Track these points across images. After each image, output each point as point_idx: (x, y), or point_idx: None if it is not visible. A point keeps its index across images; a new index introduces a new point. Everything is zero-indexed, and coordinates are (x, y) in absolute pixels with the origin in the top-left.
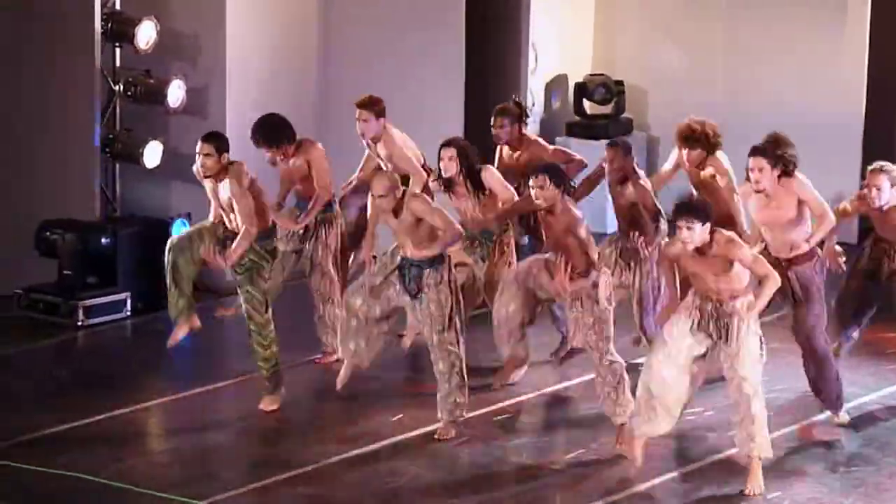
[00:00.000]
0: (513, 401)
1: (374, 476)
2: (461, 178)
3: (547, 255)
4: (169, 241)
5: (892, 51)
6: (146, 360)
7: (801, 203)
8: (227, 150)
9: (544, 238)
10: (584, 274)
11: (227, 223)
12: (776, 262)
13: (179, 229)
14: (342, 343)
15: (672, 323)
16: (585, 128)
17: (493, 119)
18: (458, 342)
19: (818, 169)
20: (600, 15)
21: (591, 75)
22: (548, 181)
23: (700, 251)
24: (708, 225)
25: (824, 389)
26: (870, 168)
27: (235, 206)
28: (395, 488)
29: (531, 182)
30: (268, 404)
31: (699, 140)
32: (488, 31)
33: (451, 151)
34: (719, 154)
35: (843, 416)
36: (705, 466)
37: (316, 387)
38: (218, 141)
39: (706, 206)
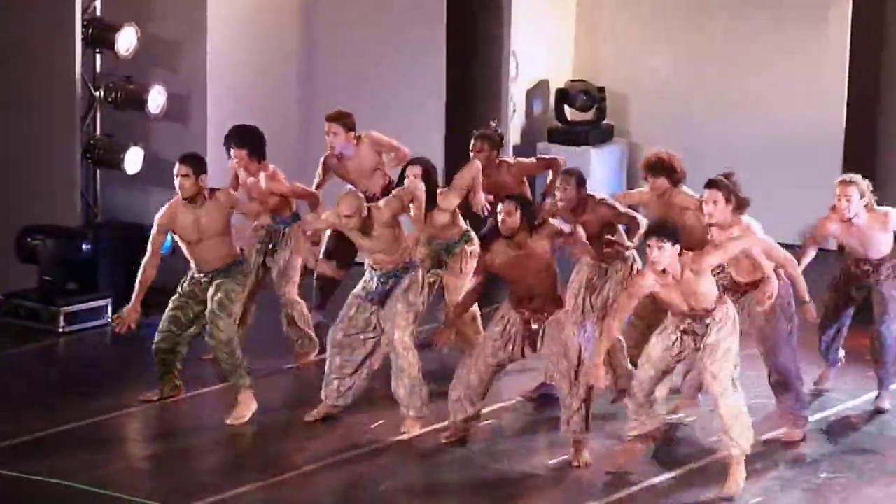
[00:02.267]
0: (495, 406)
1: (354, 481)
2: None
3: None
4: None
5: (872, 62)
6: (127, 366)
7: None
8: (205, 172)
9: (510, 287)
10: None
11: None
12: (737, 287)
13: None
14: (326, 383)
15: (654, 344)
16: (566, 134)
17: (472, 142)
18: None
19: (798, 178)
20: (582, 21)
21: (572, 81)
22: (514, 209)
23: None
24: (678, 247)
25: (782, 405)
26: (838, 180)
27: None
28: (376, 494)
29: (500, 207)
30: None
31: (664, 169)
32: (470, 37)
33: (416, 169)
34: (685, 188)
35: (797, 434)
36: (693, 470)
37: (294, 393)
38: (194, 163)
39: (677, 228)
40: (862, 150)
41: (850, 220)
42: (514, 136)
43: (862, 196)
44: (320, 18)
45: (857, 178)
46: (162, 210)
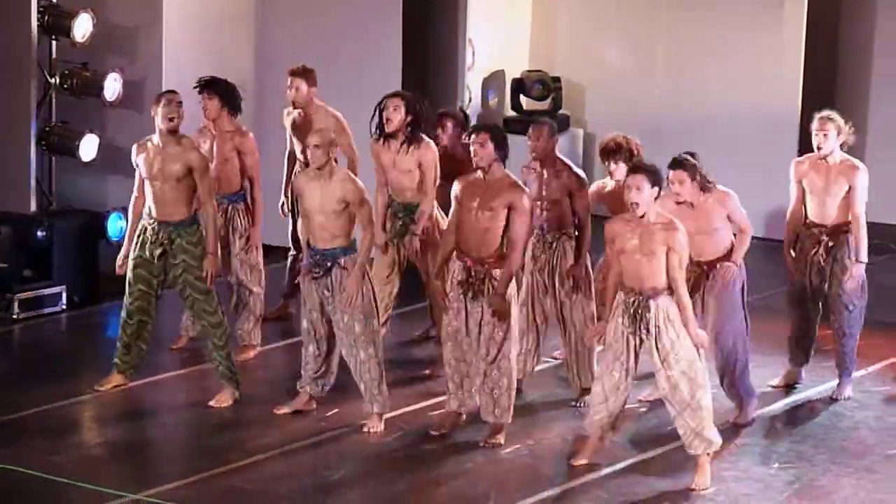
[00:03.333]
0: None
1: (309, 470)
2: (404, 129)
3: None
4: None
5: (827, 47)
6: (82, 354)
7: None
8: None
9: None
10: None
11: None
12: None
13: (115, 223)
14: (304, 375)
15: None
16: (522, 123)
17: (437, 120)
18: (376, 331)
19: (755, 164)
20: (538, 11)
21: (528, 71)
22: (487, 139)
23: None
24: (656, 190)
25: (731, 392)
26: (817, 116)
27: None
28: (330, 482)
29: (471, 139)
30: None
31: (622, 153)
32: (426, 26)
33: (396, 101)
34: None
35: (746, 416)
36: (648, 459)
37: (250, 382)
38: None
39: (657, 171)
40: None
41: (825, 157)
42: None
43: (839, 134)
44: (276, 5)
45: (836, 115)
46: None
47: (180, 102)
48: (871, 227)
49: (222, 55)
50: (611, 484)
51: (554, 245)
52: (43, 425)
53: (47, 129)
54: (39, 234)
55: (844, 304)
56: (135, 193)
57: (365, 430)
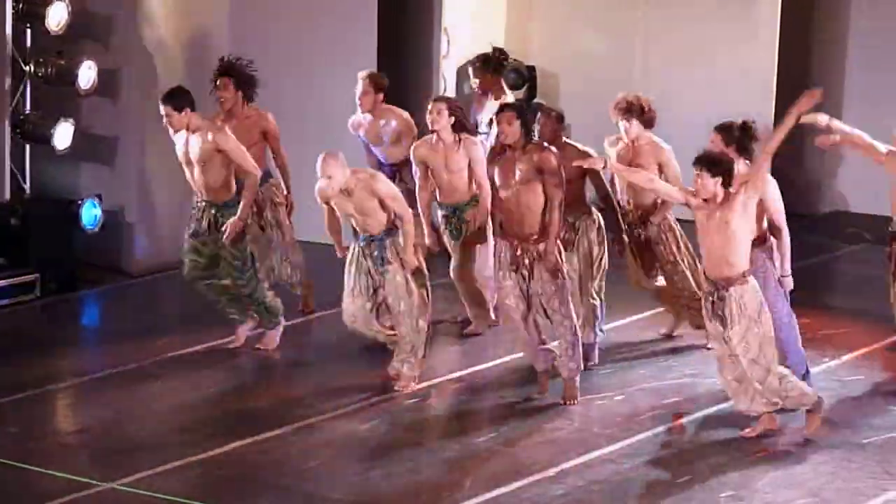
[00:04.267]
0: (424, 384)
1: (285, 458)
2: (450, 130)
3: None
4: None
5: (801, 42)
6: (57, 342)
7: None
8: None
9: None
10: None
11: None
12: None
13: (90, 210)
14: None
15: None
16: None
17: (431, 105)
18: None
19: None
20: (513, 0)
21: None
22: (514, 118)
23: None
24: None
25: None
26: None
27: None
28: (306, 469)
29: (497, 117)
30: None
31: (634, 112)
32: (401, 15)
33: (439, 105)
34: (664, 146)
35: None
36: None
37: (227, 372)
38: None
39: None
40: (791, 131)
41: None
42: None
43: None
44: None
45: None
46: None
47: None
48: (848, 216)
49: (198, 43)
50: (589, 473)
51: (577, 224)
52: (16, 413)
53: (22, 117)
54: (13, 221)
55: None
56: None
57: (396, 388)
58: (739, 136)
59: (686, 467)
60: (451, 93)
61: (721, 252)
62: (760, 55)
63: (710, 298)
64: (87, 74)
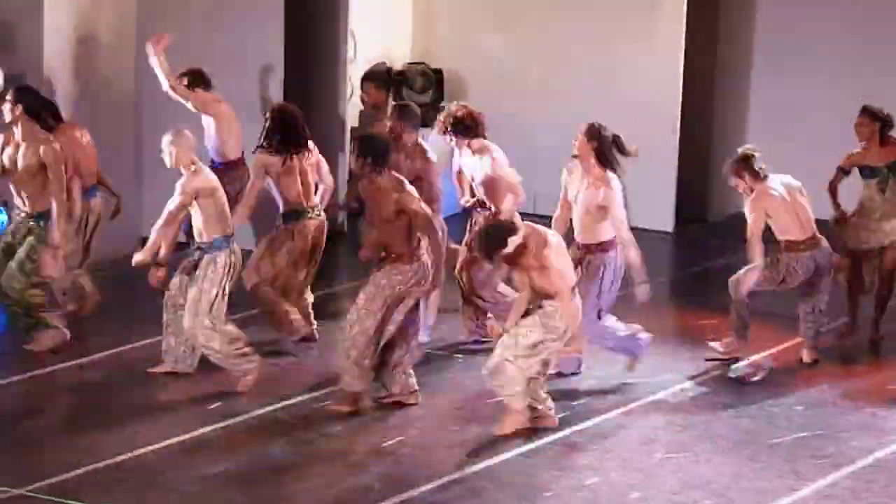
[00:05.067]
0: (327, 390)
1: (189, 467)
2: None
3: None
4: None
5: (707, 36)
6: None
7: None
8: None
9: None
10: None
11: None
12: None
13: None
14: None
15: None
16: None
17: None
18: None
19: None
20: (419, 3)
21: (409, 63)
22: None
23: None
24: None
25: None
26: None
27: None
28: (202, 476)
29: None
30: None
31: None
32: (307, 19)
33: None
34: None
35: None
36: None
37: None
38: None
39: None
40: (698, 125)
41: None
42: (351, 118)
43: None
44: (157, 0)
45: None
46: None
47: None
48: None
49: (103, 50)
50: (497, 474)
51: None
52: None
53: None
54: None
55: None
56: None
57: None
58: (601, 144)
59: (593, 469)
60: (355, 98)
61: None
62: (665, 44)
63: None
64: None
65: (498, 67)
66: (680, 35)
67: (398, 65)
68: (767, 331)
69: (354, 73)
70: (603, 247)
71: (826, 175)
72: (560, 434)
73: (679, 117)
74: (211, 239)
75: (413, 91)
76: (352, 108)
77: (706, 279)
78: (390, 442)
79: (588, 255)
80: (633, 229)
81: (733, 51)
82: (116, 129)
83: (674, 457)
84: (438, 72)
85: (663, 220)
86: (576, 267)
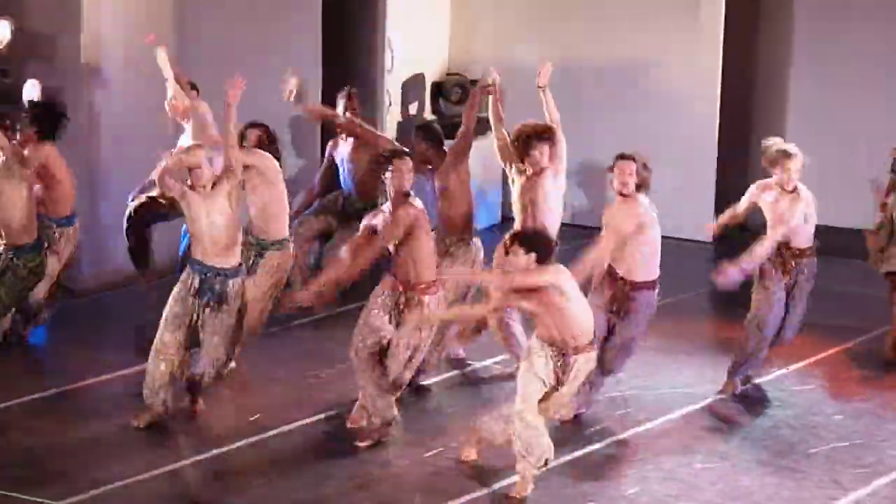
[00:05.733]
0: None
1: (223, 480)
2: None
3: None
4: None
5: (746, 52)
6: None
7: None
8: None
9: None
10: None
11: None
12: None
13: None
14: (152, 392)
15: None
16: (441, 127)
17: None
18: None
19: (672, 178)
20: (456, 15)
21: (447, 75)
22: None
23: None
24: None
25: None
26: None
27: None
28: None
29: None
30: None
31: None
32: (345, 30)
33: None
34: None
35: None
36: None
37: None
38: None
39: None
40: (736, 153)
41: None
42: (391, 128)
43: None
44: (194, 10)
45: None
46: None
47: None
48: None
49: (142, 62)
50: (538, 484)
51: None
52: None
53: None
54: None
55: None
56: None
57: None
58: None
59: (633, 479)
60: (395, 108)
61: None
62: (705, 59)
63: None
64: (30, 93)
65: (535, 79)
66: (718, 45)
67: (436, 76)
68: (808, 340)
69: (392, 84)
70: None
71: (864, 176)
72: (601, 444)
73: (717, 127)
74: None
75: (449, 102)
76: (390, 119)
77: (746, 288)
78: (430, 453)
79: None
80: (674, 240)
81: (772, 51)
82: (156, 138)
83: (714, 467)
84: (475, 83)
85: (702, 229)
86: None
